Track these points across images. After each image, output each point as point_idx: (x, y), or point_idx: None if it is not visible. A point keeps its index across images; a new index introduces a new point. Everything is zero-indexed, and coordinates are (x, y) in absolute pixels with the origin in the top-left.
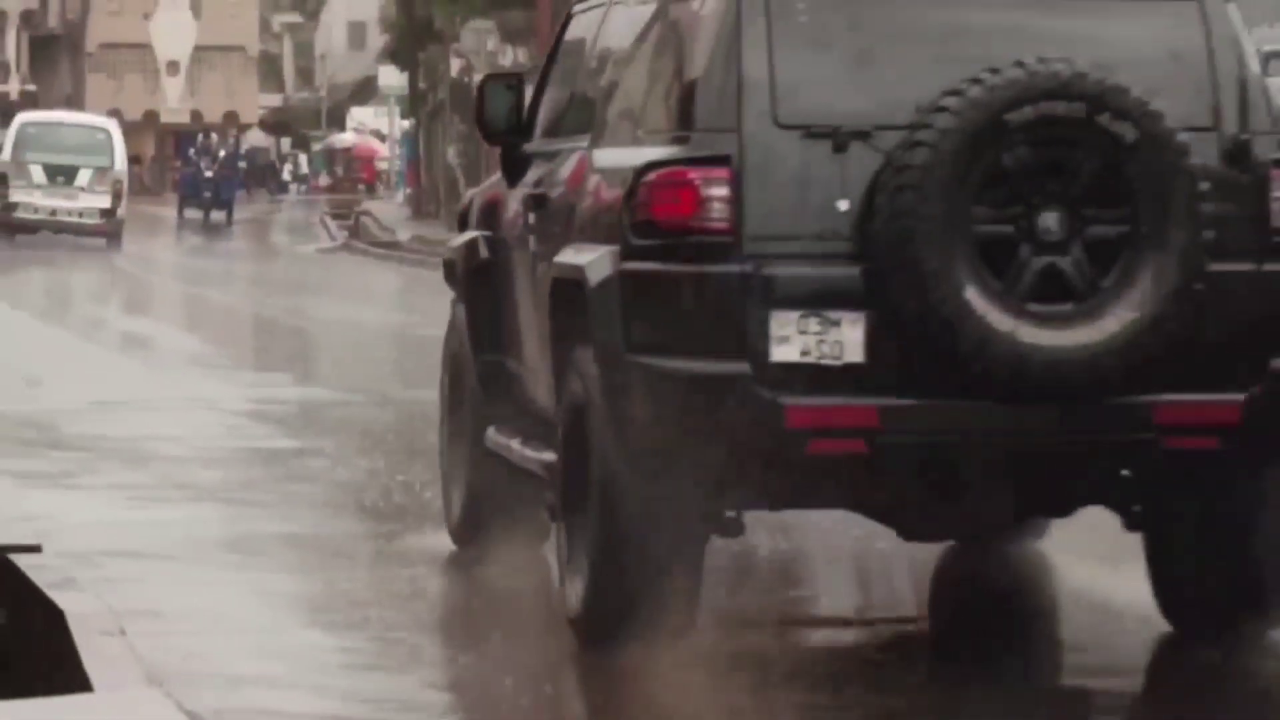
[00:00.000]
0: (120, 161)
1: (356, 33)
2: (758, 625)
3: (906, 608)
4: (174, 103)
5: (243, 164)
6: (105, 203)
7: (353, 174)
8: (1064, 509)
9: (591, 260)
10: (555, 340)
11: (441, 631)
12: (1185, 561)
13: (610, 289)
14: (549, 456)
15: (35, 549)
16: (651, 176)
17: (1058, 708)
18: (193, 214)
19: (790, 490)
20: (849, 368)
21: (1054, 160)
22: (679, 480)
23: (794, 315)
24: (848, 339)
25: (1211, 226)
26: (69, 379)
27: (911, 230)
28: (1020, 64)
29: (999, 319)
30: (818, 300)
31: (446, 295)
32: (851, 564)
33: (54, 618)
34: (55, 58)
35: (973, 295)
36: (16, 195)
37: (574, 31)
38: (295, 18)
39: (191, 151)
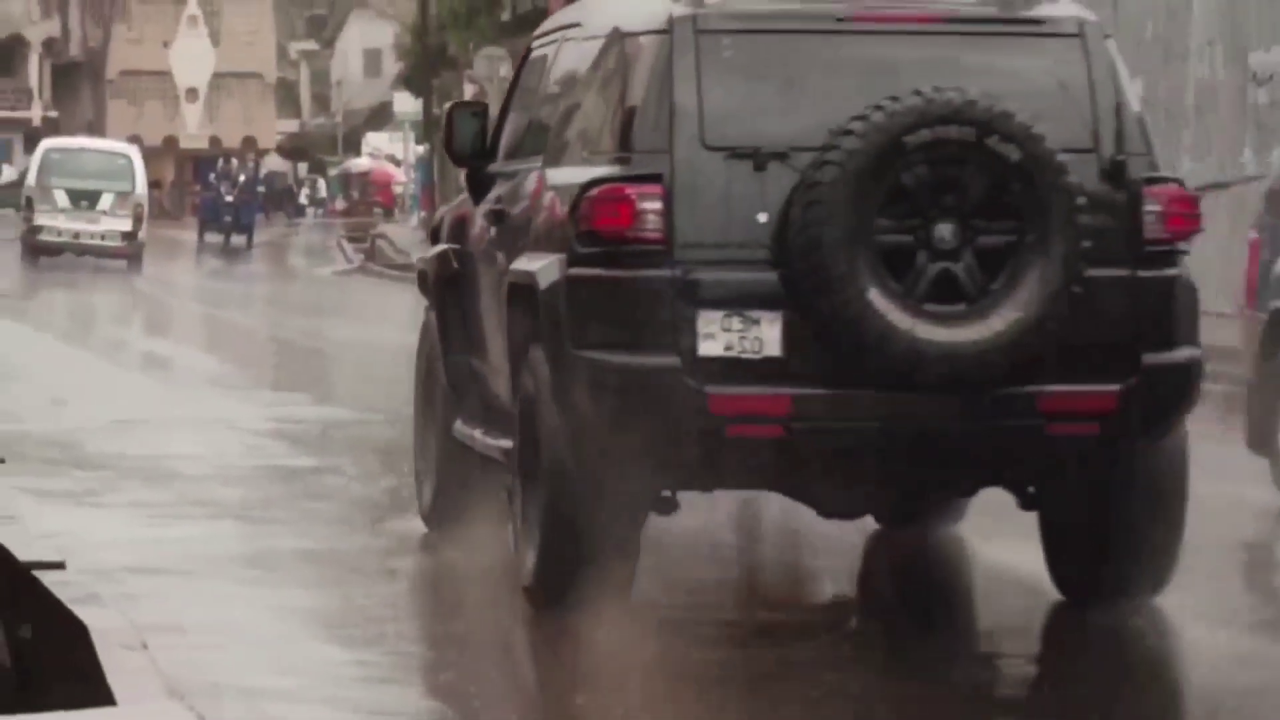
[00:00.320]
0: (141, 186)
1: (372, 60)
2: (691, 592)
3: (835, 582)
4: (193, 128)
5: (261, 188)
6: (127, 226)
7: (368, 198)
8: (964, 490)
9: (542, 267)
10: (512, 339)
11: (455, 646)
12: (1073, 537)
13: (558, 292)
14: (506, 443)
15: (59, 565)
16: (594, 192)
17: (964, 671)
18: (213, 238)
19: (716, 472)
20: (767, 361)
21: (948, 178)
22: (618, 462)
23: (718, 314)
24: (766, 336)
25: (1089, 237)
26: (91, 399)
27: (821, 239)
28: (918, 93)
29: (899, 318)
30: (739, 301)
31: None
32: (785, 544)
33: (77, 632)
34: (77, 84)
35: (875, 297)
36: (41, 219)
37: (531, 64)
38: (312, 45)
39: (212, 176)
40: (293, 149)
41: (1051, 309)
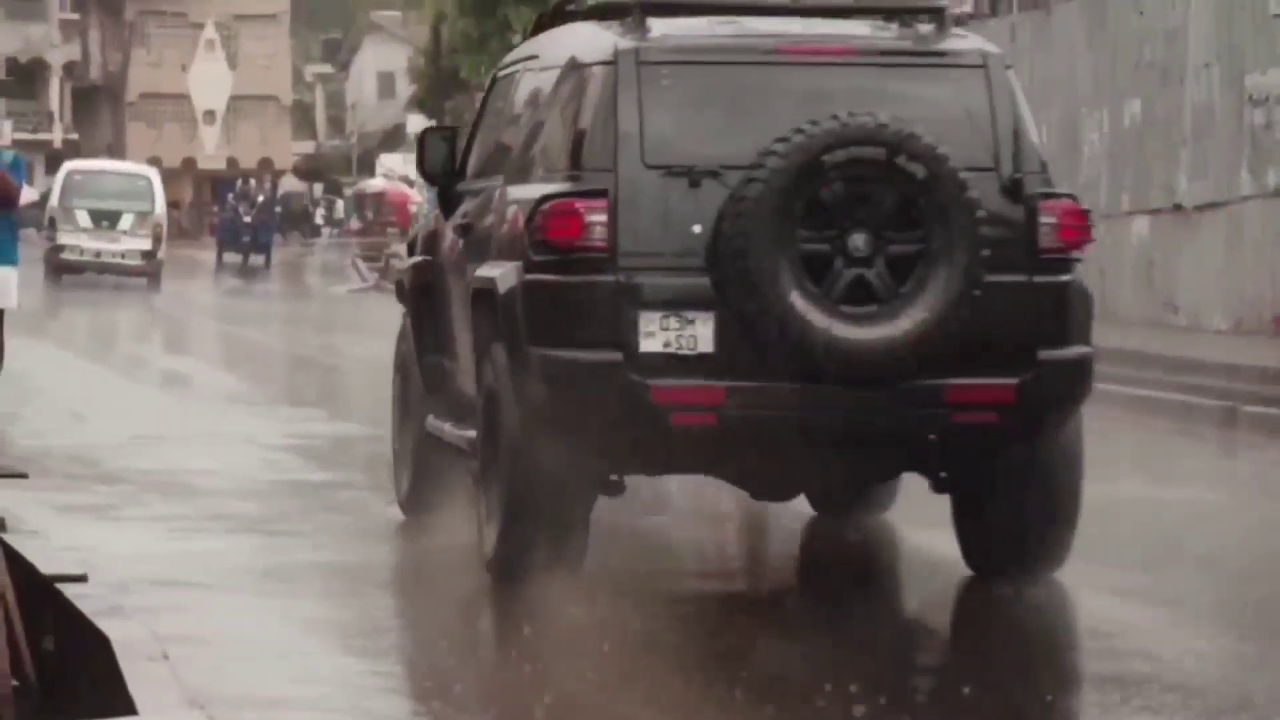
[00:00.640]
0: (160, 206)
1: (386, 83)
2: (637, 568)
3: (773, 561)
4: (211, 150)
5: (279, 209)
6: (146, 245)
7: (382, 218)
8: (881, 474)
9: (502, 273)
10: (476, 338)
11: (470, 654)
12: (980, 519)
13: (515, 295)
14: (471, 433)
15: (81, 579)
16: (547, 206)
17: (885, 636)
18: (231, 258)
19: (658, 457)
20: (701, 356)
21: (862, 193)
22: (569, 448)
23: (658, 315)
24: (700, 334)
25: (990, 246)
26: (112, 415)
27: (749, 248)
28: (835, 117)
29: (818, 318)
30: (676, 303)
31: None
32: (728, 527)
33: (100, 644)
34: (97, 107)
35: (797, 299)
36: (64, 238)
37: (495, 92)
38: (327, 69)
39: (230, 197)
40: (308, 170)
41: (954, 310)
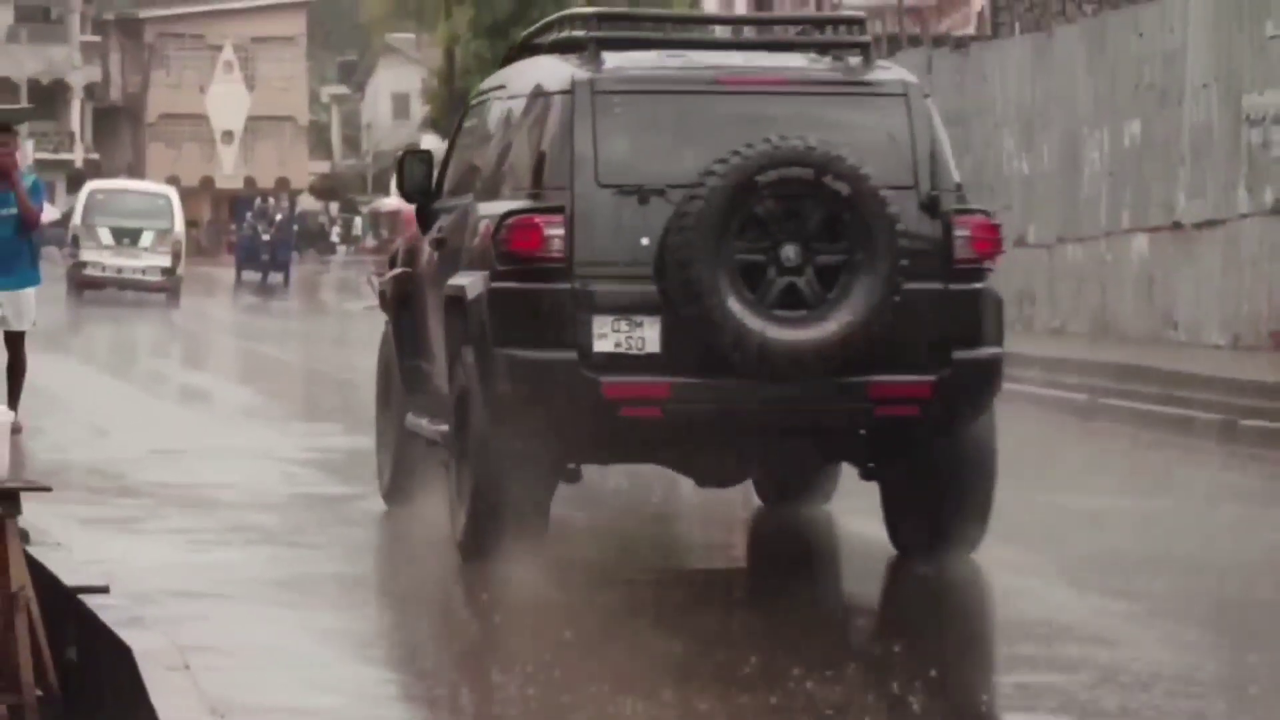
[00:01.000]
0: (179, 224)
1: (400, 103)
2: (594, 550)
3: (720, 547)
4: (229, 170)
5: (296, 227)
6: (166, 262)
7: (397, 235)
8: (813, 464)
9: (471, 281)
10: (449, 341)
11: (481, 664)
12: (904, 503)
13: (482, 302)
14: (445, 427)
15: (103, 590)
16: (510, 221)
17: (820, 609)
18: (250, 275)
19: (611, 447)
20: (649, 356)
21: (792, 209)
22: (530, 439)
23: (609, 319)
24: (648, 336)
25: (908, 257)
26: (133, 429)
27: (690, 259)
28: (768, 140)
29: (752, 321)
30: (626, 308)
31: None
32: (677, 516)
33: (122, 654)
34: (117, 128)
35: (734, 304)
36: (86, 255)
37: (469, 117)
38: (343, 90)
39: (249, 215)
40: (324, 189)
41: (877, 315)
